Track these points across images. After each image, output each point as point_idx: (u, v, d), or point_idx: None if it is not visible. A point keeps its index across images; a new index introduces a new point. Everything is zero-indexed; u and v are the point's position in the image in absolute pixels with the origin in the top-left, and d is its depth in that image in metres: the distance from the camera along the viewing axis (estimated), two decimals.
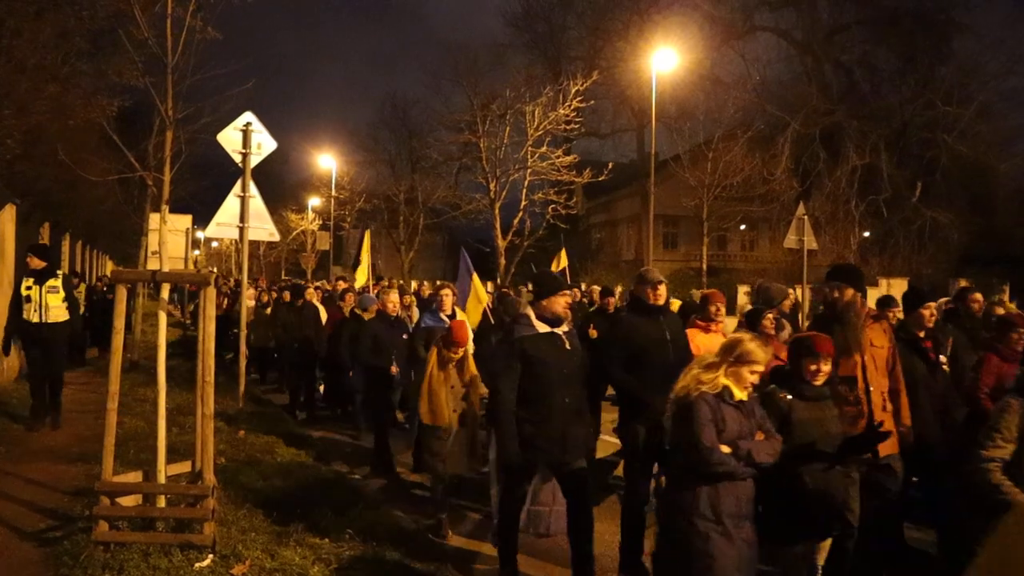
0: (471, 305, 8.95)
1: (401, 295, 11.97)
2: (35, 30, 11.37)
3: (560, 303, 5.00)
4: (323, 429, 10.35)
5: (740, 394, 3.86)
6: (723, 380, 3.85)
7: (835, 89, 32.80)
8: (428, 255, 43.80)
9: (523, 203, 22.50)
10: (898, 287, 22.28)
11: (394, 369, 8.06)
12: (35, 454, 7.97)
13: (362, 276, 14.72)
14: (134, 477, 5.51)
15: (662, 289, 5.58)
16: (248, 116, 9.85)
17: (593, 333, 8.83)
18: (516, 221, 23.08)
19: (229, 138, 9.86)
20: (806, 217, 15.30)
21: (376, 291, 12.40)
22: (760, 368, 3.92)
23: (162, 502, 5.41)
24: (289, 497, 6.53)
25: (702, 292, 8.08)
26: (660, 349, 5.39)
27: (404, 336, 8.25)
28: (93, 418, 9.42)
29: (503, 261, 22.92)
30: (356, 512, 6.21)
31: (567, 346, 5.01)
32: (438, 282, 17.73)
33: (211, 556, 5.02)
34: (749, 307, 7.90)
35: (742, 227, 37.52)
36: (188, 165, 15.16)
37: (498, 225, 22.34)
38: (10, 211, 12.19)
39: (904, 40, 31.15)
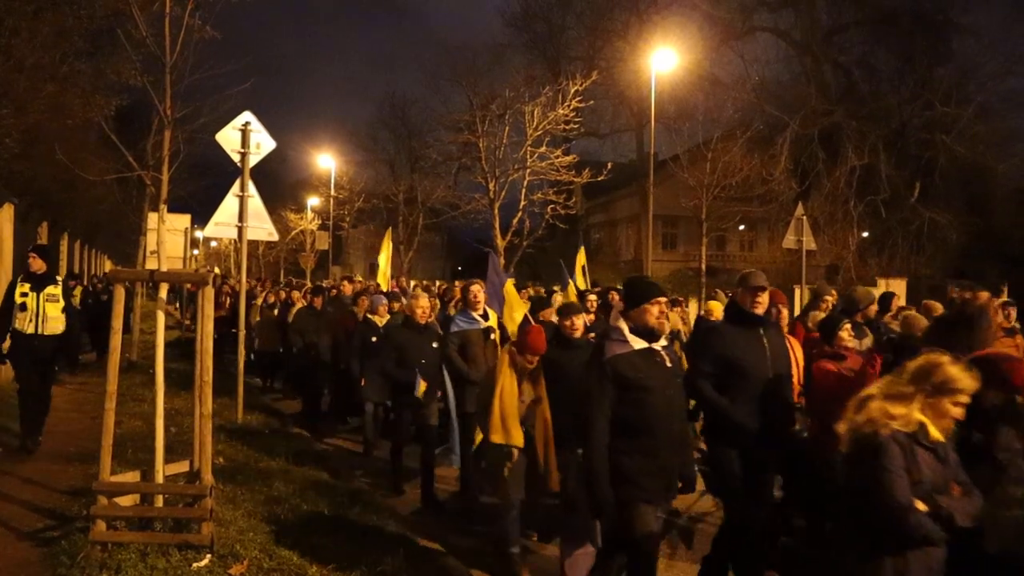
0: (506, 313, 8.26)
1: (393, 298, 11.10)
2: (33, 29, 11.36)
3: (652, 312, 4.29)
4: (331, 442, 9.77)
5: (937, 434, 3.17)
6: (918, 416, 3.14)
7: (834, 89, 32.82)
8: (427, 255, 43.81)
9: (522, 203, 22.47)
10: (896, 287, 22.30)
11: (422, 386, 7.03)
12: (33, 453, 7.96)
13: (384, 280, 13.77)
14: (132, 477, 5.50)
15: (764, 297, 4.91)
16: (247, 116, 9.83)
17: None
18: (515, 221, 23.06)
19: (228, 138, 9.83)
20: (805, 217, 15.32)
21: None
22: (966, 399, 3.18)
23: (160, 502, 5.39)
24: (287, 497, 6.53)
25: (815, 287, 7.49)
26: (758, 365, 4.77)
27: (434, 345, 7.32)
28: (90, 418, 9.41)
29: (502, 261, 22.89)
30: (354, 512, 6.20)
31: (667, 364, 4.30)
32: (456, 282, 16.88)
33: (209, 556, 5.01)
34: (821, 313, 6.95)
35: (741, 227, 37.51)
36: (187, 164, 15.18)
37: (497, 225, 22.31)
38: (8, 210, 12.18)
39: (903, 41, 31.16)
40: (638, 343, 4.23)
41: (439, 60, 62.68)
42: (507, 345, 5.81)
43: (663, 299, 4.38)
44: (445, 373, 7.30)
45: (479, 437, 5.88)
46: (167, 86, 10.31)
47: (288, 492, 6.70)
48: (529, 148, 21.24)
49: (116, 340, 5.40)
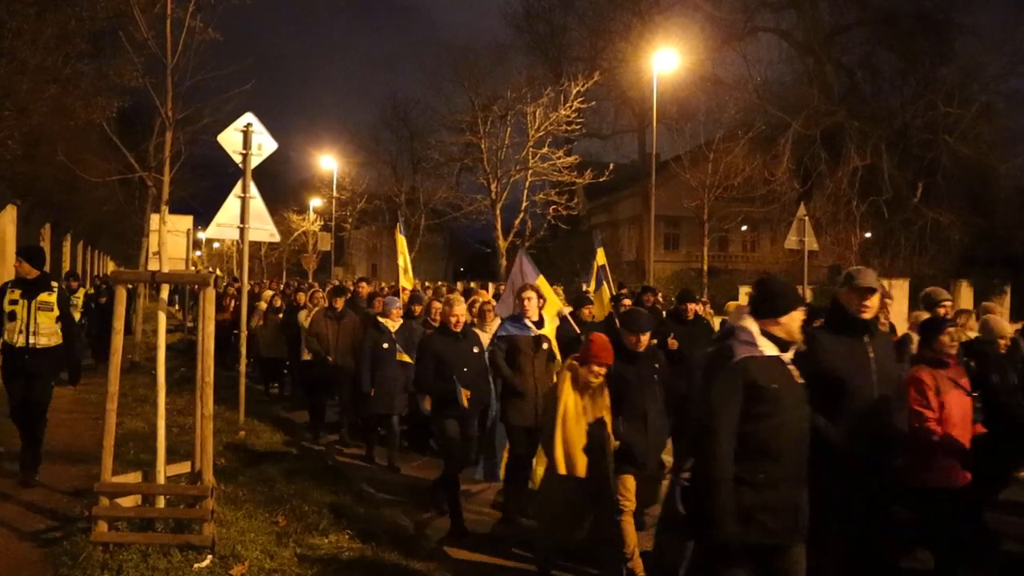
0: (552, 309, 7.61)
1: (415, 301, 9.82)
2: (36, 31, 11.38)
3: (799, 321, 3.63)
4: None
5: None
6: None
7: (836, 90, 32.75)
8: (429, 256, 43.80)
9: (524, 204, 22.53)
10: (899, 288, 22.28)
11: (465, 396, 6.31)
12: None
13: (406, 279, 12.51)
14: (133, 478, 5.51)
15: (874, 300, 4.23)
16: (248, 117, 9.83)
17: (674, 343, 7.63)
18: (517, 222, 23.11)
19: (229, 139, 9.84)
20: (807, 218, 15.31)
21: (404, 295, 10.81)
22: None
23: (161, 503, 5.41)
24: (288, 497, 6.53)
25: (928, 291, 6.82)
26: (862, 380, 4.12)
27: (475, 351, 6.69)
28: (92, 419, 9.43)
29: (504, 262, 22.93)
30: (355, 513, 6.21)
31: (798, 379, 3.58)
32: (496, 287, 15.57)
33: (210, 557, 5.01)
34: (924, 314, 6.42)
35: (743, 228, 37.51)
36: (189, 166, 15.22)
37: (499, 226, 22.36)
38: (11, 212, 12.22)
39: (905, 41, 31.09)
40: (769, 348, 3.52)
41: (441, 61, 62.88)
42: (568, 360, 5.16)
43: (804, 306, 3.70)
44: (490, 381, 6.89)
45: (540, 469, 5.56)
46: (169, 87, 10.33)
47: (289, 493, 6.70)
48: (531, 149, 21.30)
49: (118, 341, 5.41)
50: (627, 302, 9.20)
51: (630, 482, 5.15)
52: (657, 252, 30.88)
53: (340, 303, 9.59)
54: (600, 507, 4.93)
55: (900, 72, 32.00)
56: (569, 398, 4.94)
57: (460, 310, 6.67)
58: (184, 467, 5.66)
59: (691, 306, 8.30)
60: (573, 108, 20.88)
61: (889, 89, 32.61)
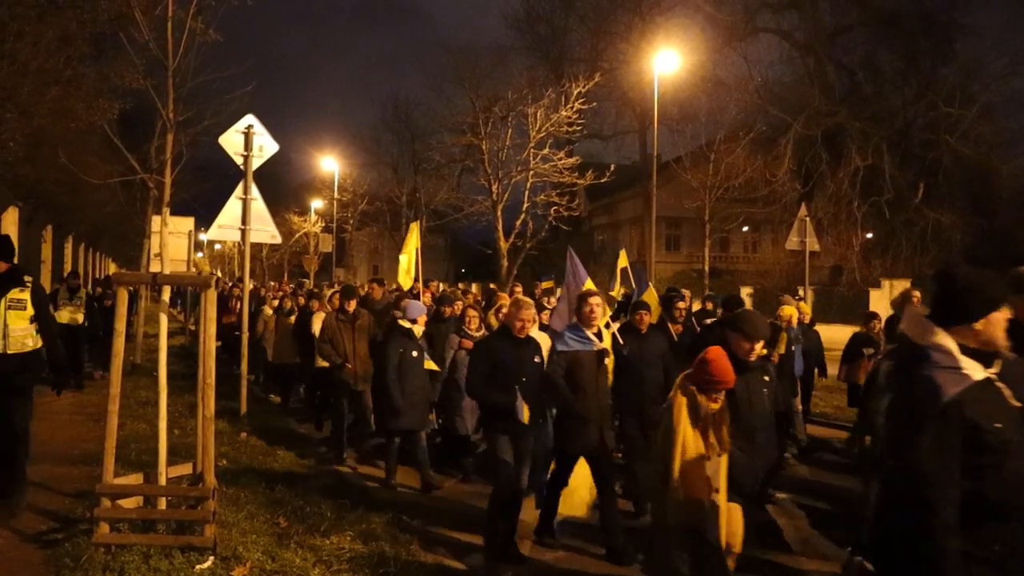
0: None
1: (446, 302, 9.27)
2: (37, 33, 11.40)
3: (1003, 324, 2.67)
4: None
5: None
6: None
7: (837, 90, 32.78)
8: (431, 257, 43.68)
9: (525, 205, 22.53)
10: (900, 288, 22.26)
11: (525, 411, 5.63)
12: (36, 456, 7.93)
13: (406, 278, 11.85)
14: (135, 479, 5.51)
15: None
16: (250, 118, 9.85)
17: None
18: (518, 223, 23.12)
19: (231, 141, 9.86)
20: (808, 218, 15.32)
21: (442, 296, 10.29)
22: None
23: (163, 504, 5.41)
24: (290, 499, 6.54)
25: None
26: None
27: (536, 360, 5.92)
28: (94, 420, 9.44)
29: (505, 263, 22.94)
30: (357, 514, 6.21)
31: (1013, 402, 2.63)
32: (553, 289, 14.42)
33: (212, 558, 5.01)
34: None
35: (744, 229, 37.50)
36: (190, 167, 15.26)
37: (500, 227, 22.37)
38: (13, 213, 12.25)
39: (906, 41, 31.11)
40: (975, 370, 2.55)
41: (442, 62, 63.06)
42: (679, 380, 4.30)
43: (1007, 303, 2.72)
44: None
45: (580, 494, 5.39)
46: (170, 89, 10.36)
47: (291, 494, 6.70)
48: (532, 150, 21.31)
49: (119, 343, 5.41)
50: (681, 305, 8.54)
51: (737, 515, 4.31)
52: (658, 253, 30.92)
53: (352, 305, 8.76)
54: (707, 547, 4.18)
55: (901, 72, 32.03)
56: (687, 432, 4.09)
57: (529, 315, 5.87)
58: (186, 468, 5.67)
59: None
60: (574, 109, 20.89)
61: (890, 89, 32.63)
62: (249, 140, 9.85)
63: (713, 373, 4.12)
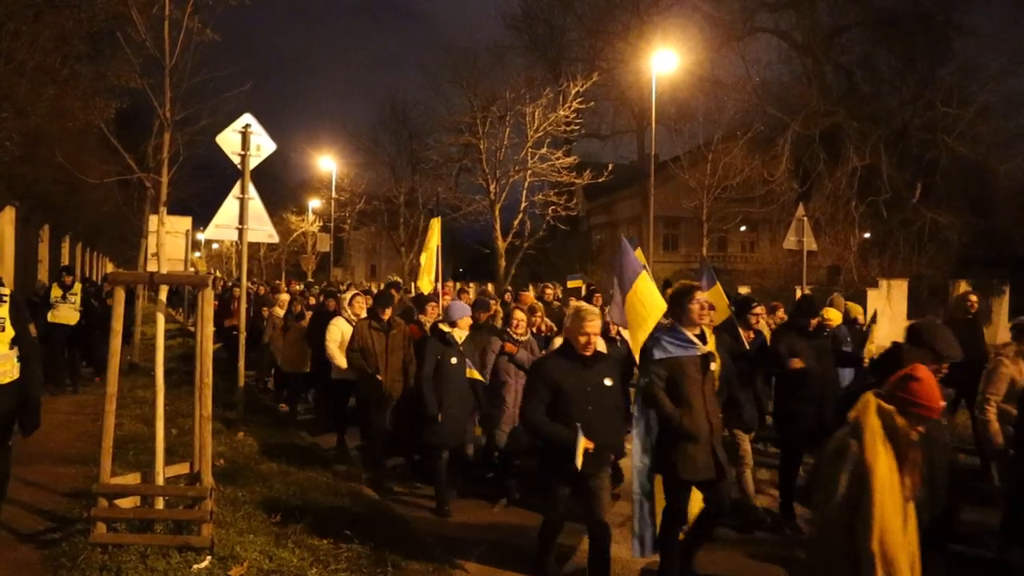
0: (641, 320, 5.85)
1: (481, 307, 8.07)
2: (34, 32, 11.38)
3: None
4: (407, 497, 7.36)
5: None
6: None
7: (835, 90, 32.77)
8: None
9: (523, 204, 22.54)
10: (898, 288, 22.30)
11: (584, 448, 4.65)
12: (33, 456, 7.95)
13: (426, 282, 10.93)
14: (132, 479, 5.50)
15: None
16: (247, 118, 9.85)
17: (797, 363, 6.38)
18: (516, 223, 23.12)
19: (228, 140, 9.85)
20: (806, 218, 15.32)
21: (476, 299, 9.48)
22: None
23: (160, 504, 5.40)
24: (287, 498, 6.53)
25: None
26: None
27: (608, 383, 4.94)
28: (91, 420, 9.43)
29: (503, 263, 22.93)
30: (354, 513, 6.20)
31: None
32: (579, 289, 13.37)
33: (209, 558, 5.01)
34: None
35: (742, 228, 37.51)
36: (187, 167, 15.19)
37: (498, 227, 22.37)
38: (10, 213, 12.22)
39: (904, 41, 31.12)
40: None
41: (440, 62, 62.93)
42: (868, 399, 3.37)
43: None
44: (640, 429, 5.15)
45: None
46: (167, 89, 10.31)
47: (288, 494, 6.70)
48: (530, 150, 21.31)
49: (116, 342, 5.40)
50: (760, 310, 7.85)
51: None
52: (656, 252, 30.90)
53: (387, 313, 7.91)
54: None
55: (899, 72, 32.03)
56: (883, 464, 3.19)
57: (595, 326, 4.86)
58: (183, 468, 5.66)
59: (817, 320, 7.05)
60: (572, 109, 20.90)
61: (888, 89, 32.64)
62: (246, 139, 9.84)
63: (919, 396, 3.27)
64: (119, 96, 14.00)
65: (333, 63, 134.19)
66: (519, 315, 7.31)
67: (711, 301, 5.93)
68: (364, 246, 54.73)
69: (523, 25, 41.41)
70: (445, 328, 7.04)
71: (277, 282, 23.09)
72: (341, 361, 8.50)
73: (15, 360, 5.21)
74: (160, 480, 5.37)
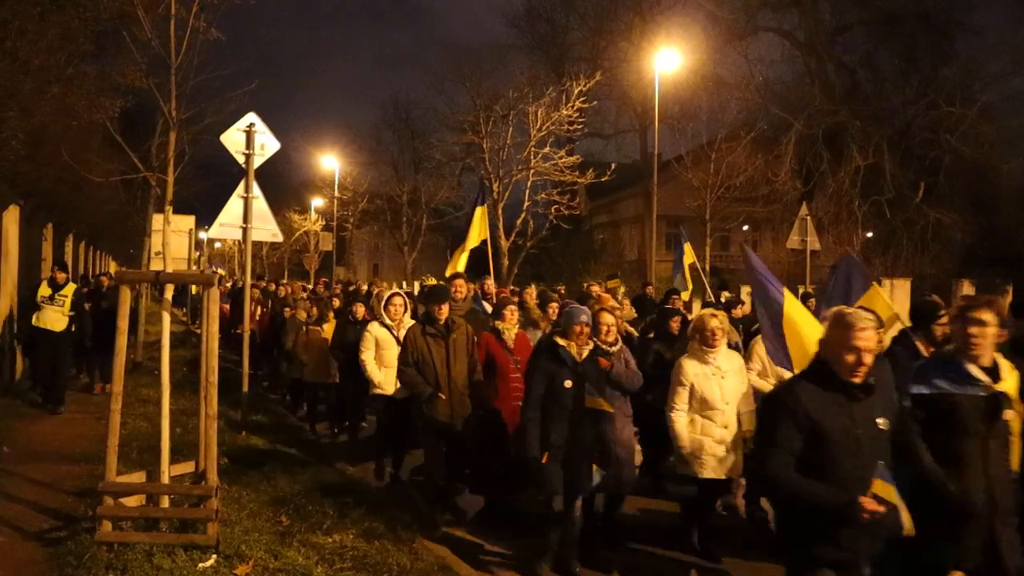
0: (800, 337, 5.09)
1: (545, 302, 7.59)
2: (39, 31, 11.38)
3: None
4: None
5: None
6: None
7: (838, 89, 32.73)
8: (431, 256, 43.79)
9: (526, 204, 22.50)
10: (901, 288, 22.25)
11: (871, 506, 3.19)
12: (39, 454, 7.98)
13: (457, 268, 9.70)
14: (138, 477, 5.52)
15: None
16: (251, 117, 9.85)
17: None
18: (519, 222, 23.09)
19: (232, 139, 9.85)
20: (809, 217, 15.34)
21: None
22: None
23: (166, 502, 5.42)
24: (293, 497, 6.54)
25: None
26: None
27: (880, 422, 3.42)
28: (96, 419, 9.45)
29: (506, 262, 22.92)
30: (359, 513, 6.21)
31: None
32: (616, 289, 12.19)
33: (215, 556, 5.02)
34: None
35: (745, 228, 37.48)
36: (191, 166, 15.26)
37: (501, 226, 22.33)
38: (14, 212, 12.23)
39: (907, 41, 31.12)
40: None
41: (443, 61, 62.97)
42: None
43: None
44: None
45: None
46: (172, 88, 10.35)
47: (294, 492, 6.71)
48: (533, 149, 21.27)
49: (122, 341, 5.42)
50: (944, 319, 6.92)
51: None
52: (659, 252, 30.85)
53: (444, 312, 6.47)
54: None
55: (902, 72, 32.01)
56: None
57: (869, 340, 3.34)
58: (188, 467, 5.68)
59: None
60: (575, 108, 20.86)
61: (891, 89, 32.61)
62: (251, 138, 9.84)
63: None
64: (124, 95, 14.00)
65: (337, 62, 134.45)
66: (607, 318, 5.79)
67: (877, 311, 4.93)
68: (367, 245, 54.83)
69: (526, 24, 41.47)
70: (560, 341, 5.39)
71: (301, 284, 21.15)
72: (380, 377, 7.48)
73: None
74: (165, 478, 5.39)
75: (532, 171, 21.57)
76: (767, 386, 6.26)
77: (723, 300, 11.58)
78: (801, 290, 14.96)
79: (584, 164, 22.74)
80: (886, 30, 31.53)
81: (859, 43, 33.50)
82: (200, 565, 4.92)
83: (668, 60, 21.28)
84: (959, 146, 28.14)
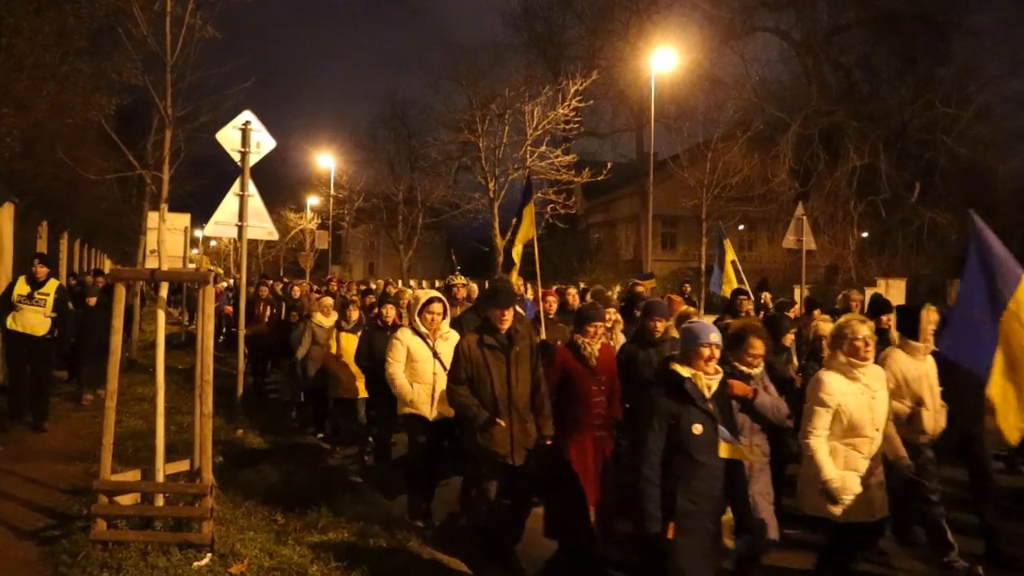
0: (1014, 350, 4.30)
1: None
2: (34, 28, 11.34)
3: None
4: None
5: None
6: None
7: (834, 90, 32.81)
8: (427, 254, 43.79)
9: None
10: (896, 287, 22.33)
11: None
12: (34, 453, 7.96)
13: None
14: (132, 476, 5.51)
15: None
16: (247, 115, 9.84)
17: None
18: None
19: (228, 137, 9.85)
20: (805, 217, 15.33)
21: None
22: None
23: (160, 501, 5.40)
24: (287, 496, 6.53)
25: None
26: None
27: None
28: (91, 417, 9.42)
29: (502, 260, 22.90)
30: (355, 510, 6.20)
31: None
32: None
33: (209, 555, 5.01)
34: None
35: (741, 227, 37.52)
36: (187, 163, 15.19)
37: (497, 224, 22.31)
38: (8, 209, 12.19)
39: (904, 41, 31.20)
40: None
41: (439, 59, 62.93)
42: None
43: None
44: None
45: None
46: (168, 85, 10.32)
47: (289, 491, 6.70)
48: (529, 148, 21.26)
49: (116, 340, 5.41)
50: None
51: None
52: (655, 251, 30.90)
53: (507, 318, 5.34)
54: None
55: (898, 72, 32.12)
56: None
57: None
58: (183, 465, 5.66)
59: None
60: (571, 107, 20.84)
61: (887, 89, 32.72)
62: (246, 136, 9.84)
63: None
64: (119, 92, 13.95)
65: (333, 60, 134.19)
66: (757, 343, 4.82)
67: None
68: (362, 243, 54.75)
69: (522, 23, 41.52)
70: (683, 371, 4.04)
71: (331, 278, 19.27)
72: (412, 394, 6.33)
73: None
74: (160, 477, 5.37)
75: (528, 170, 21.56)
76: (904, 409, 5.39)
77: (763, 301, 11.11)
78: (797, 290, 15.01)
79: (580, 163, 22.73)
80: (883, 30, 31.61)
81: (856, 43, 33.59)
82: (195, 564, 4.91)
83: (664, 59, 21.32)
84: (955, 147, 28.24)
